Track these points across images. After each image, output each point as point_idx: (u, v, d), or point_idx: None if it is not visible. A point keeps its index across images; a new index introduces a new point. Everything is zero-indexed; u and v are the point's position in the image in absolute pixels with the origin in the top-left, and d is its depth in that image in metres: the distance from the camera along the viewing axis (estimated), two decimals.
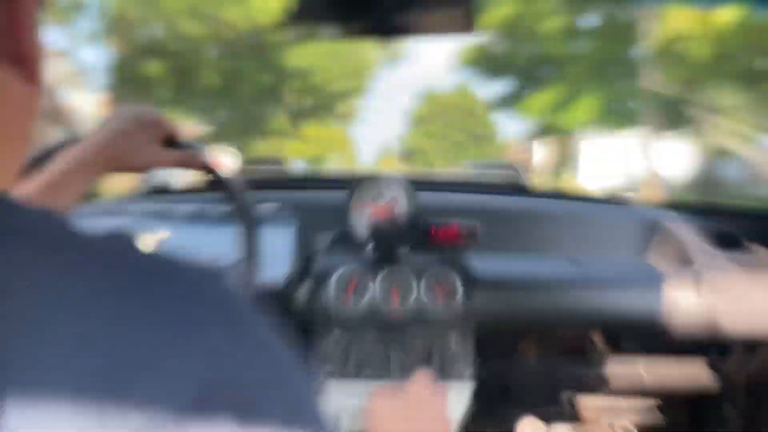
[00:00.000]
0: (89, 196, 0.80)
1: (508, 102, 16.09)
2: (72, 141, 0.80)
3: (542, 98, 12.85)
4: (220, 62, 11.78)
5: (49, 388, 0.26)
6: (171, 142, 0.84)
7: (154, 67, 11.06)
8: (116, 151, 0.78)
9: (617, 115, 12.41)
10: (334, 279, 1.16)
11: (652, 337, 1.37)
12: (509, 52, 12.84)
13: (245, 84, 12.54)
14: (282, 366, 0.33)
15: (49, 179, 0.74)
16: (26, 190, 0.73)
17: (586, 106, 11.81)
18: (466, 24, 0.89)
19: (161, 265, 0.32)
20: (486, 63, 14.84)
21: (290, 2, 0.85)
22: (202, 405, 0.27)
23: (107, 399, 0.26)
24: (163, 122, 0.83)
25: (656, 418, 1.51)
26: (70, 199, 0.75)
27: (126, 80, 11.16)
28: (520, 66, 13.54)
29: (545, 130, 16.78)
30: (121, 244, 0.32)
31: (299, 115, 15.65)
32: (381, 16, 0.86)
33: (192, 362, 0.28)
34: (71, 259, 0.29)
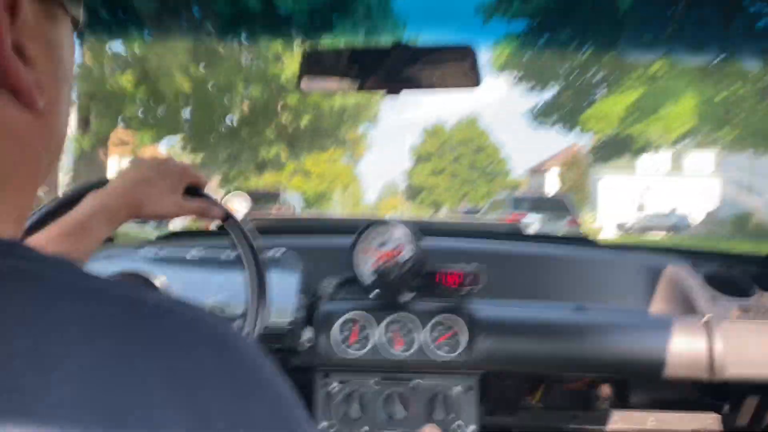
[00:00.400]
0: (108, 240, 0.81)
1: (556, 113, 14.03)
2: (96, 186, 0.82)
3: (618, 102, 10.74)
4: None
5: (47, 427, 0.26)
6: (192, 190, 0.86)
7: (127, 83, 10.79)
8: (138, 199, 0.80)
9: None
10: (337, 324, 1.16)
11: (659, 387, 1.35)
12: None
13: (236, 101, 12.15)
14: (286, 416, 0.33)
15: (72, 223, 0.76)
16: (50, 233, 0.75)
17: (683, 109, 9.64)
18: (472, 78, 0.92)
19: (170, 312, 0.32)
20: (526, 66, 12.70)
21: (304, 63, 0.88)
22: None
23: None
24: (186, 171, 0.85)
25: None
26: (93, 243, 0.77)
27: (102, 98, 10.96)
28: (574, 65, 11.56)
29: (614, 146, 14.54)
30: (130, 290, 0.32)
31: (296, 140, 15.02)
32: (392, 71, 0.89)
33: (189, 415, 0.29)
34: (81, 306, 0.30)
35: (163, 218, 0.84)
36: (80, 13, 0.38)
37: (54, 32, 0.35)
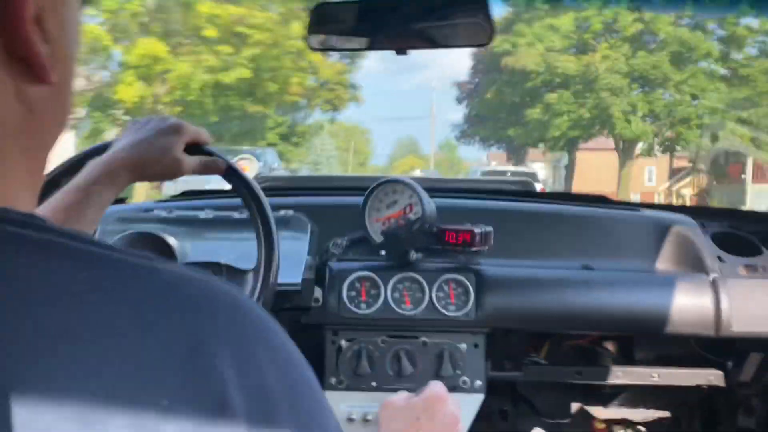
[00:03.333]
0: (119, 201, 0.82)
1: None
2: (97, 151, 0.81)
3: None
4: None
5: (61, 393, 0.27)
6: (194, 148, 0.85)
7: None
8: (140, 160, 0.80)
9: None
10: (347, 282, 1.17)
11: (665, 343, 1.36)
12: None
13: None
14: (295, 379, 0.34)
15: (76, 191, 0.76)
16: (55, 202, 0.75)
17: None
18: (484, 34, 0.89)
19: (186, 281, 0.33)
20: None
21: (313, 20, 0.86)
22: (217, 415, 0.29)
23: (121, 408, 0.28)
24: (186, 129, 0.84)
25: (669, 428, 1.51)
26: (98, 209, 0.77)
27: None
28: None
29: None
30: (146, 259, 0.33)
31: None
32: (401, 29, 0.87)
33: (206, 381, 0.30)
34: (98, 276, 0.31)
35: (166, 178, 0.83)
36: None
37: (68, 8, 0.36)
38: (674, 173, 23.32)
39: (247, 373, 0.31)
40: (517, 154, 27.19)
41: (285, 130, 18.74)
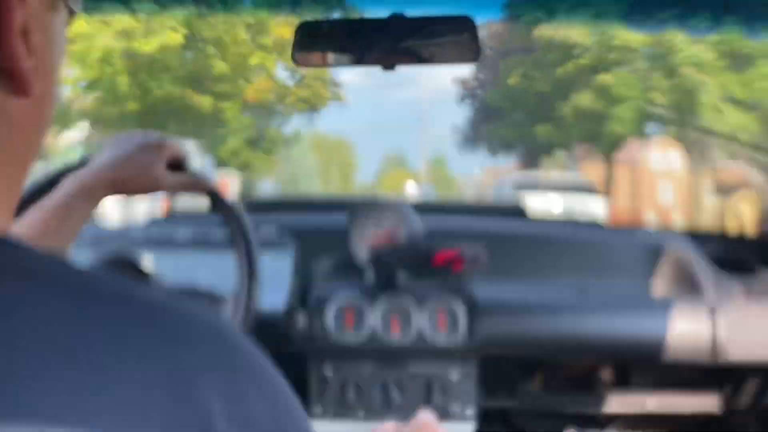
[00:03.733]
0: (93, 219, 0.80)
1: None
2: (75, 167, 0.80)
3: None
4: None
5: (38, 426, 0.26)
6: (176, 165, 0.83)
7: None
8: (119, 176, 0.79)
9: None
10: (332, 306, 1.14)
11: (661, 368, 1.34)
12: None
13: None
14: (282, 408, 0.33)
15: (53, 206, 0.74)
16: (32, 218, 0.74)
17: None
18: (471, 52, 0.89)
19: (162, 310, 0.32)
20: None
21: (298, 36, 0.86)
22: None
23: None
24: (168, 146, 0.83)
25: None
26: (76, 225, 0.76)
27: None
28: None
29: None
30: (120, 285, 0.32)
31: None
32: (389, 44, 0.86)
33: (184, 410, 0.29)
34: (70, 304, 0.29)
35: (145, 194, 0.81)
36: (78, 5, 0.38)
37: (54, 21, 0.36)
38: None
39: (233, 404, 0.30)
40: (535, 161, 20.01)
41: (252, 133, 14.74)
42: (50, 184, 0.79)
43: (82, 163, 0.80)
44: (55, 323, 0.28)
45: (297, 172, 24.67)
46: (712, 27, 0.72)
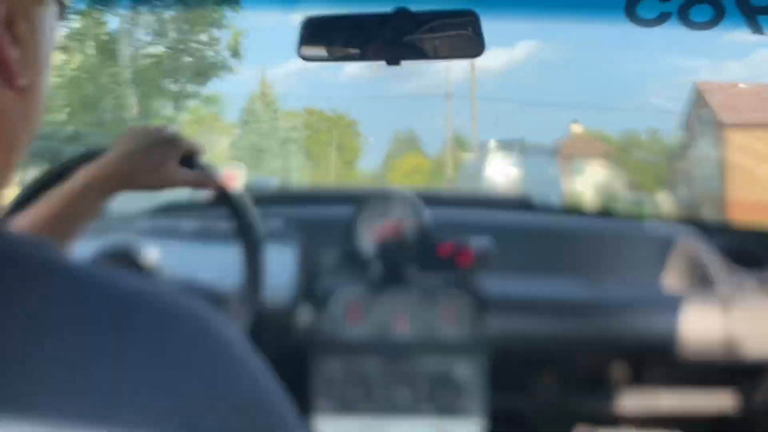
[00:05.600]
0: (102, 213, 0.81)
1: None
2: (88, 158, 0.81)
3: None
4: None
5: (25, 416, 0.26)
6: (188, 161, 0.84)
7: None
8: (131, 170, 0.79)
9: None
10: (337, 300, 1.13)
11: (673, 364, 1.32)
12: None
13: None
14: (270, 410, 0.33)
15: (64, 197, 0.75)
16: (42, 208, 0.74)
17: None
18: (474, 47, 0.90)
19: (147, 301, 0.32)
20: None
21: (304, 31, 0.87)
22: None
23: (80, 428, 0.26)
24: (179, 141, 0.83)
25: None
26: (85, 217, 0.76)
27: None
28: None
29: None
30: (107, 276, 0.32)
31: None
32: (394, 39, 0.87)
33: (166, 399, 0.28)
34: (53, 294, 0.29)
35: (158, 189, 0.82)
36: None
37: (42, 14, 0.36)
38: None
39: (217, 395, 0.30)
40: None
41: None
42: (62, 174, 0.80)
43: (95, 155, 0.81)
44: (37, 315, 0.28)
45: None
46: (714, 21, 0.72)
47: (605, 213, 1.60)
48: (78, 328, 0.29)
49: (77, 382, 0.27)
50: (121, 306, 0.31)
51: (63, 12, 0.39)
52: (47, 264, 0.31)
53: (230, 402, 0.30)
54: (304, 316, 1.12)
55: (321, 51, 0.92)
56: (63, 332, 0.28)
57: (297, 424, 0.34)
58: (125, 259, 0.95)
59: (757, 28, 0.72)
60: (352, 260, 1.21)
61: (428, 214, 1.20)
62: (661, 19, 0.74)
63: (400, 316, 1.12)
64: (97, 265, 0.33)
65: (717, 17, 0.73)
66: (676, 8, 0.73)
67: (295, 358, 1.09)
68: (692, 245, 1.30)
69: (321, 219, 1.38)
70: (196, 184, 0.86)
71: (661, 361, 1.31)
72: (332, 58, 0.92)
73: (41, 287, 0.29)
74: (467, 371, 1.13)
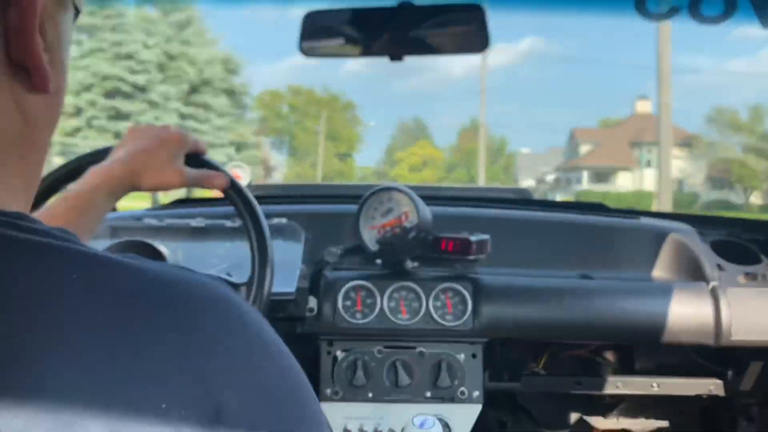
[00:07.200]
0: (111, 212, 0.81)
1: None
2: (97, 157, 0.80)
3: None
4: None
5: (56, 395, 0.27)
6: (194, 159, 0.83)
7: None
8: (139, 170, 0.79)
9: None
10: (342, 292, 1.16)
11: (663, 353, 1.35)
12: None
13: None
14: (292, 383, 0.33)
15: (75, 198, 0.75)
16: (55, 208, 0.75)
17: None
18: (479, 41, 0.88)
19: (173, 282, 0.32)
20: None
21: (306, 26, 0.85)
22: (213, 419, 0.28)
23: (112, 412, 0.27)
24: (186, 139, 0.83)
25: None
26: (97, 217, 0.77)
27: None
28: None
29: None
30: (132, 260, 0.33)
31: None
32: (397, 34, 0.86)
33: (195, 384, 0.29)
34: (83, 277, 0.30)
35: (165, 189, 0.82)
36: (82, 4, 0.39)
37: (64, 19, 0.37)
38: None
39: (242, 378, 0.30)
40: None
41: None
42: (72, 174, 0.80)
43: (104, 154, 0.81)
44: (66, 297, 0.29)
45: None
46: (724, 15, 0.71)
47: (602, 207, 1.61)
48: (108, 314, 0.29)
49: (106, 367, 0.28)
50: (154, 291, 0.31)
51: (77, 16, 0.39)
52: (74, 253, 0.31)
53: (259, 389, 0.31)
54: (310, 304, 1.14)
55: (323, 46, 0.90)
56: (93, 318, 0.29)
57: (320, 414, 0.34)
58: (141, 254, 0.95)
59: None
60: (356, 254, 1.23)
61: (430, 208, 1.21)
62: (671, 12, 0.74)
63: (403, 304, 1.16)
64: (123, 254, 0.34)
65: (728, 11, 0.72)
66: (686, 2, 0.72)
67: (300, 345, 1.11)
68: (685, 238, 1.32)
69: (326, 214, 1.40)
70: (205, 183, 0.85)
71: (652, 347, 1.35)
72: (334, 54, 0.91)
73: (71, 276, 0.30)
74: (466, 356, 1.16)
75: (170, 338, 0.29)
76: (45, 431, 0.26)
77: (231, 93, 24.95)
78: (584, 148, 34.64)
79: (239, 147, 23.74)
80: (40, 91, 0.34)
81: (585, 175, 33.15)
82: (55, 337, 0.28)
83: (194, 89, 23.62)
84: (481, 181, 21.65)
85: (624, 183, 30.36)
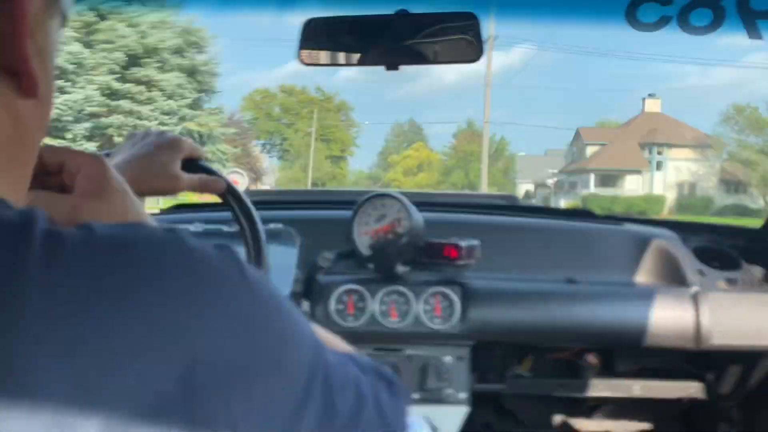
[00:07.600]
0: None
1: None
2: None
3: None
4: None
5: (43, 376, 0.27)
6: (191, 165, 0.83)
7: None
8: (136, 176, 0.77)
9: None
10: (334, 295, 1.17)
11: (645, 356, 1.37)
12: None
13: None
14: (283, 332, 0.36)
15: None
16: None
17: None
18: (473, 51, 0.90)
19: (164, 245, 0.33)
20: None
21: (304, 35, 0.86)
22: (186, 384, 0.29)
23: (102, 385, 0.28)
24: (183, 144, 0.82)
25: None
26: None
27: None
28: None
29: None
30: (122, 228, 0.33)
31: None
32: (394, 43, 0.87)
33: (181, 341, 0.30)
34: (75, 257, 0.31)
35: (162, 194, 0.81)
36: (70, 12, 0.40)
37: (52, 26, 0.37)
38: None
39: (237, 322, 0.32)
40: None
41: None
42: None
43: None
44: (62, 280, 0.29)
45: None
46: (712, 26, 0.73)
47: (588, 214, 1.63)
48: (101, 282, 0.30)
49: (96, 334, 0.28)
50: (144, 255, 0.32)
51: (65, 23, 0.40)
52: (73, 235, 0.32)
53: (238, 333, 0.32)
54: (303, 307, 1.16)
55: (320, 55, 0.91)
56: (83, 292, 0.29)
57: (309, 336, 0.38)
58: None
59: (755, 33, 0.73)
60: (349, 258, 1.24)
61: (421, 215, 1.22)
62: (662, 22, 0.75)
63: (393, 308, 1.18)
64: (117, 224, 0.34)
65: (716, 21, 0.74)
66: (676, 12, 0.74)
67: None
68: (667, 244, 1.35)
69: (320, 219, 1.42)
70: (202, 188, 0.85)
71: (632, 351, 1.37)
72: (332, 63, 0.91)
73: (61, 260, 0.30)
74: (453, 359, 1.19)
75: (161, 304, 0.30)
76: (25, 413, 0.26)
77: (192, 72, 20.88)
78: (590, 150, 31.72)
79: (201, 138, 19.87)
80: (30, 97, 0.35)
81: (592, 177, 30.20)
82: (43, 315, 0.28)
83: (134, 60, 19.47)
84: (484, 183, 21.45)
85: (633, 186, 28.20)
